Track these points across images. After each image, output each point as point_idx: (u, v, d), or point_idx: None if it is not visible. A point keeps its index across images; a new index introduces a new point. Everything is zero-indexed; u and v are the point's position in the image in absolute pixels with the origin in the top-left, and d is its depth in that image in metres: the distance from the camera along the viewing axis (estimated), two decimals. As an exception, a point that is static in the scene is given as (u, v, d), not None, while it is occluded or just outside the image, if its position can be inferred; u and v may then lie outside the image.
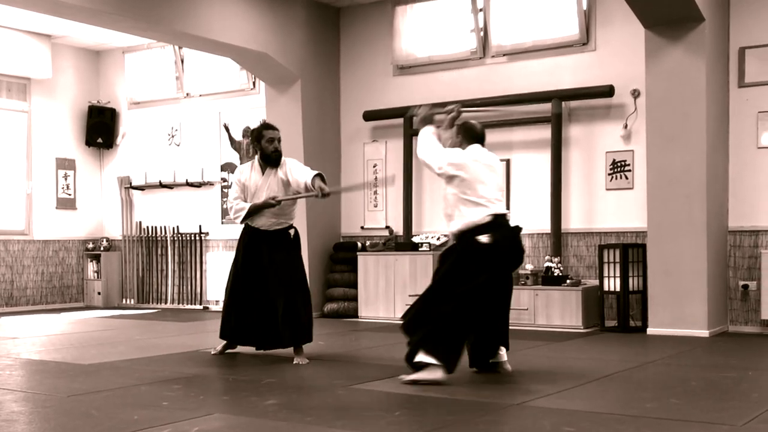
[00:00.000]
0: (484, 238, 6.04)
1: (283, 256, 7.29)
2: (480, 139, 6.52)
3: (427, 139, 6.41)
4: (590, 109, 10.00)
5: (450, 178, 6.19)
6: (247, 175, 7.38)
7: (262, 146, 7.29)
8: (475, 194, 6.13)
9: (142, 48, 13.40)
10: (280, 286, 7.20)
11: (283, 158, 7.36)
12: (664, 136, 8.95)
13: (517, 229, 6.30)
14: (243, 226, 7.50)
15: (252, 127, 11.66)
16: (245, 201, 7.35)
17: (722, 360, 7.27)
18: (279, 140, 7.33)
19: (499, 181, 6.38)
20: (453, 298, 5.99)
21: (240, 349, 7.70)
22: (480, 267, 6.04)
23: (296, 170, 7.26)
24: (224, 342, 7.67)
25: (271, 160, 7.29)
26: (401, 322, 6.32)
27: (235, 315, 7.44)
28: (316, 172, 7.17)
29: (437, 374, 5.87)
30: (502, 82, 10.53)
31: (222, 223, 12.65)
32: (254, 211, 7.26)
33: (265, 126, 7.45)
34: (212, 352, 7.69)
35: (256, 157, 7.46)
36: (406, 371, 6.05)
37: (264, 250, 7.30)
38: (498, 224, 6.13)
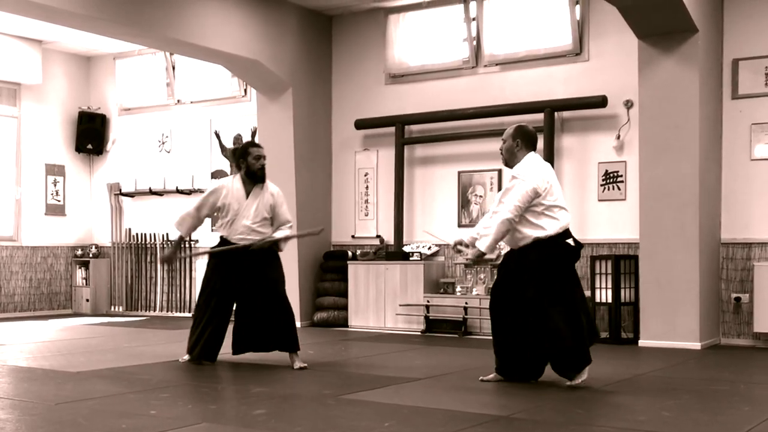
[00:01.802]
0: (570, 242, 6.25)
1: (264, 265, 7.36)
2: (536, 144, 6.49)
3: (495, 223, 6.18)
4: (583, 120, 9.98)
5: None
6: (229, 190, 7.38)
7: (249, 162, 7.34)
8: (558, 203, 6.21)
9: (133, 54, 13.35)
10: (267, 292, 7.27)
11: (271, 184, 7.48)
12: (656, 147, 8.92)
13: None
14: (219, 237, 7.57)
15: (241, 135, 11.68)
16: (205, 217, 7.61)
17: (714, 373, 7.25)
18: (265, 158, 7.41)
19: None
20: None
21: (230, 358, 7.65)
22: (567, 270, 6.26)
23: (281, 210, 7.45)
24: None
25: (257, 177, 7.36)
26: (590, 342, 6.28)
27: (212, 329, 7.41)
28: (288, 227, 7.48)
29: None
30: (494, 92, 10.50)
31: (212, 230, 12.55)
32: (176, 249, 7.91)
33: (251, 144, 7.59)
34: (180, 360, 7.65)
35: (238, 174, 7.47)
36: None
37: (242, 263, 7.33)
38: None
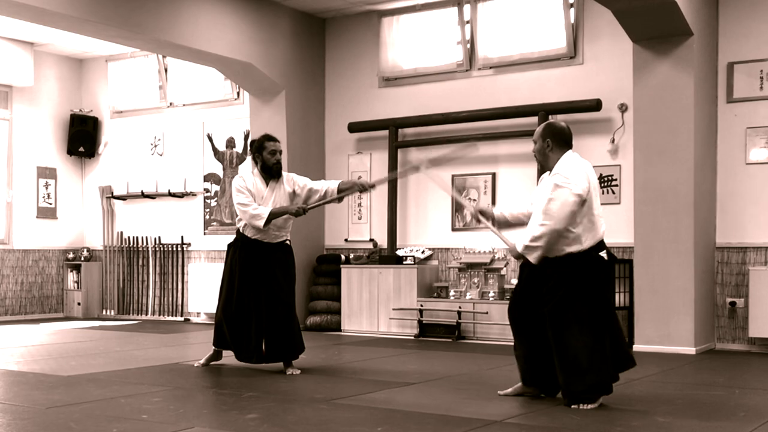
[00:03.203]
0: (603, 254, 5.78)
1: (284, 270, 7.32)
2: (570, 142, 5.92)
3: (545, 234, 5.65)
4: (577, 123, 9.90)
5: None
6: (252, 182, 7.24)
7: (264, 157, 7.23)
8: (595, 209, 5.73)
9: (125, 57, 13.31)
10: (278, 300, 7.21)
11: (285, 173, 7.37)
12: (651, 151, 8.89)
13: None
14: (234, 237, 7.45)
15: (234, 138, 11.64)
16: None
17: (709, 378, 7.22)
18: (281, 152, 7.31)
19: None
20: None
21: (223, 361, 7.65)
22: (605, 286, 5.87)
23: (308, 181, 7.33)
24: (209, 354, 7.63)
25: (272, 172, 7.25)
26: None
27: (229, 326, 7.34)
28: (334, 180, 7.36)
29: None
30: (488, 95, 10.47)
31: (204, 234, 12.54)
32: (276, 215, 7.11)
33: (267, 137, 7.36)
34: (196, 365, 7.64)
35: (256, 168, 7.36)
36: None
37: (264, 263, 7.24)
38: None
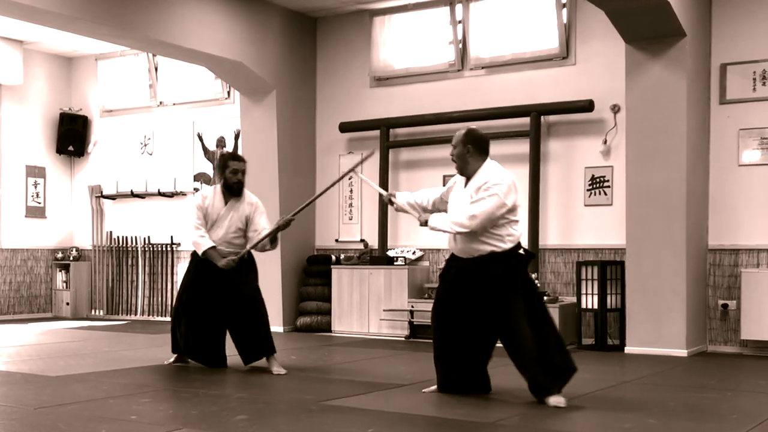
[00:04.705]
0: (522, 251, 6.01)
1: (246, 268, 7.41)
2: (488, 149, 6.13)
3: (458, 223, 5.87)
4: (569, 124, 9.92)
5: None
6: (211, 200, 7.42)
7: (226, 176, 7.41)
8: (517, 215, 5.98)
9: (115, 55, 13.26)
10: (241, 299, 7.33)
11: (251, 195, 7.51)
12: (643, 152, 8.86)
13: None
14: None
15: (225, 137, 11.60)
16: (206, 228, 7.42)
17: (701, 380, 7.21)
18: (243, 172, 7.44)
19: None
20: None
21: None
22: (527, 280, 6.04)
23: (261, 226, 7.38)
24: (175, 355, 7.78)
25: (233, 190, 7.42)
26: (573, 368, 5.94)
27: (187, 329, 7.48)
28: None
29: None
30: (480, 95, 10.43)
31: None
32: (209, 257, 7.28)
33: (232, 156, 7.61)
34: (165, 363, 7.75)
35: (219, 185, 7.52)
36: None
37: (219, 272, 7.31)
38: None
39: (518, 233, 5.96)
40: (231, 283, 7.30)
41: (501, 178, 5.89)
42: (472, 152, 6.02)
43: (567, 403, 5.66)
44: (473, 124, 10.08)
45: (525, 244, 9.65)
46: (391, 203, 6.44)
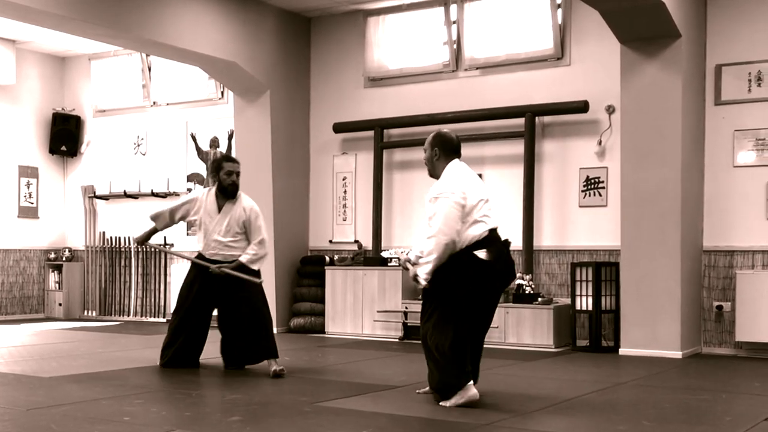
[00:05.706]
0: (481, 254, 5.75)
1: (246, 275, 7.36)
2: (458, 151, 6.05)
3: (434, 250, 5.72)
4: (564, 125, 9.90)
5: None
6: (203, 204, 7.42)
7: (220, 178, 7.38)
8: (475, 215, 5.78)
9: (108, 55, 13.22)
10: (245, 303, 7.30)
11: (246, 198, 7.46)
12: (638, 153, 8.85)
13: (507, 243, 5.99)
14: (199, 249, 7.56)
15: (218, 138, 11.56)
16: (178, 221, 7.69)
17: (695, 382, 7.20)
18: (237, 174, 7.42)
19: (486, 195, 6.03)
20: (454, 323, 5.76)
21: (205, 362, 7.65)
22: (476, 285, 5.78)
23: (256, 230, 7.36)
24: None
25: (227, 192, 7.39)
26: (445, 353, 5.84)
27: (184, 337, 7.53)
28: (257, 242, 7.32)
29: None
30: (474, 96, 10.41)
31: (187, 234, 12.44)
32: (149, 235, 7.80)
33: (226, 158, 7.61)
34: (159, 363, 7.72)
35: (214, 187, 7.51)
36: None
37: (219, 283, 7.33)
38: (493, 239, 5.85)
39: (476, 233, 5.74)
40: (235, 289, 7.28)
41: (447, 181, 5.83)
42: (439, 155, 6.00)
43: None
44: (467, 125, 10.23)
45: (519, 244, 9.76)
46: (407, 269, 6.39)
